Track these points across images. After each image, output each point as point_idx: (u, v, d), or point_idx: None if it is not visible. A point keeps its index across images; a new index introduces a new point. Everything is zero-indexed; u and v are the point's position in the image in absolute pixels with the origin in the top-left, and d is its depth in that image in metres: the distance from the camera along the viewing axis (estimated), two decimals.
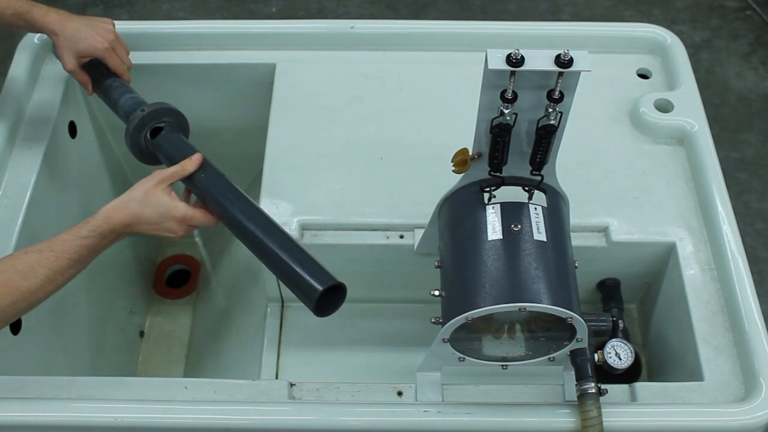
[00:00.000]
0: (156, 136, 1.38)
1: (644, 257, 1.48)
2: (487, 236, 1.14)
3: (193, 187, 1.29)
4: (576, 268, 1.18)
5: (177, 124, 1.42)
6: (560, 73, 1.02)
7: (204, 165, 1.29)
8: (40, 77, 1.66)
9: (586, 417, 1.15)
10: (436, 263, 1.25)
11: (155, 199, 1.21)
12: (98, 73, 1.51)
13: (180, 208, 1.23)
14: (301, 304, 1.30)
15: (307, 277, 1.18)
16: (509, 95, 1.05)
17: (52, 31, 1.44)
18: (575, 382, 1.18)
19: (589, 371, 1.17)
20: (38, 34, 1.68)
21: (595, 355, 1.20)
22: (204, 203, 1.28)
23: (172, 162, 1.32)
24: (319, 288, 1.15)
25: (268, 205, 1.46)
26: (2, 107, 1.57)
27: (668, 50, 1.69)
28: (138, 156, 1.41)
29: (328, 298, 1.17)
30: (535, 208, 1.16)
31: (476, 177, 1.19)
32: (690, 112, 1.57)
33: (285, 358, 1.58)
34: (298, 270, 1.19)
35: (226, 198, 1.25)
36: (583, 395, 1.16)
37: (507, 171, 1.17)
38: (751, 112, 2.94)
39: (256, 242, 1.24)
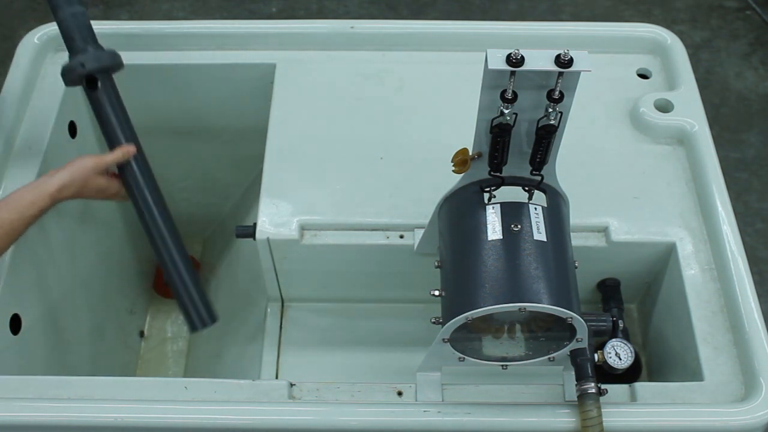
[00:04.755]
0: (92, 86, 1.45)
1: (644, 257, 1.48)
2: (487, 236, 1.14)
3: (122, 173, 1.43)
4: (576, 268, 1.18)
5: (112, 70, 1.49)
6: (560, 73, 1.02)
7: (135, 158, 1.43)
8: (40, 77, 1.66)
9: (586, 417, 1.15)
10: (436, 263, 1.25)
11: (95, 183, 1.38)
12: None
13: (113, 188, 1.42)
14: (302, 304, 1.48)
15: (191, 309, 1.46)
16: (509, 95, 1.05)
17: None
18: (575, 382, 1.18)
19: (589, 371, 1.17)
20: (38, 35, 1.68)
21: (595, 355, 1.20)
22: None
23: (101, 121, 1.46)
24: (198, 327, 1.45)
25: (268, 205, 1.47)
26: (2, 107, 1.57)
27: (668, 50, 1.69)
28: (68, 85, 1.49)
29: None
30: (535, 208, 1.16)
31: (476, 177, 1.19)
32: (690, 112, 1.57)
33: (285, 358, 1.58)
34: (185, 297, 1.45)
35: (142, 198, 1.45)
36: (583, 395, 1.16)
37: (507, 171, 1.17)
38: (751, 112, 2.94)
39: (156, 249, 1.45)
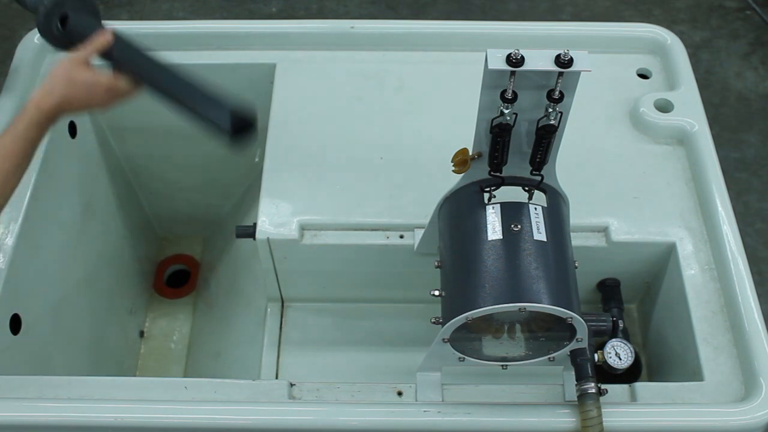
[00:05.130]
0: (65, 25, 1.38)
1: (644, 257, 1.48)
2: (487, 236, 1.14)
3: (112, 61, 1.32)
4: (576, 268, 1.18)
5: (82, 5, 1.42)
6: (560, 73, 1.02)
7: (117, 39, 1.32)
8: (41, 77, 1.66)
9: (586, 417, 1.15)
10: (436, 263, 1.25)
11: (79, 77, 1.25)
12: None
13: (104, 79, 1.27)
14: (302, 304, 1.44)
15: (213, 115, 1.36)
16: (509, 95, 1.05)
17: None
18: (575, 382, 1.18)
19: (589, 371, 1.17)
20: (38, 35, 1.68)
21: (595, 355, 1.20)
22: (126, 74, 1.32)
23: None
24: (226, 126, 1.34)
25: (268, 205, 1.47)
26: (2, 107, 1.57)
27: (668, 50, 1.69)
28: (57, 47, 1.42)
29: (242, 129, 1.35)
30: (535, 208, 1.16)
31: (476, 177, 1.19)
32: (690, 112, 1.57)
33: (285, 358, 1.58)
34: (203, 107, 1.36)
35: (144, 64, 1.33)
36: (583, 395, 1.16)
37: (507, 171, 1.17)
38: (751, 112, 2.94)
39: (176, 98, 1.35)
